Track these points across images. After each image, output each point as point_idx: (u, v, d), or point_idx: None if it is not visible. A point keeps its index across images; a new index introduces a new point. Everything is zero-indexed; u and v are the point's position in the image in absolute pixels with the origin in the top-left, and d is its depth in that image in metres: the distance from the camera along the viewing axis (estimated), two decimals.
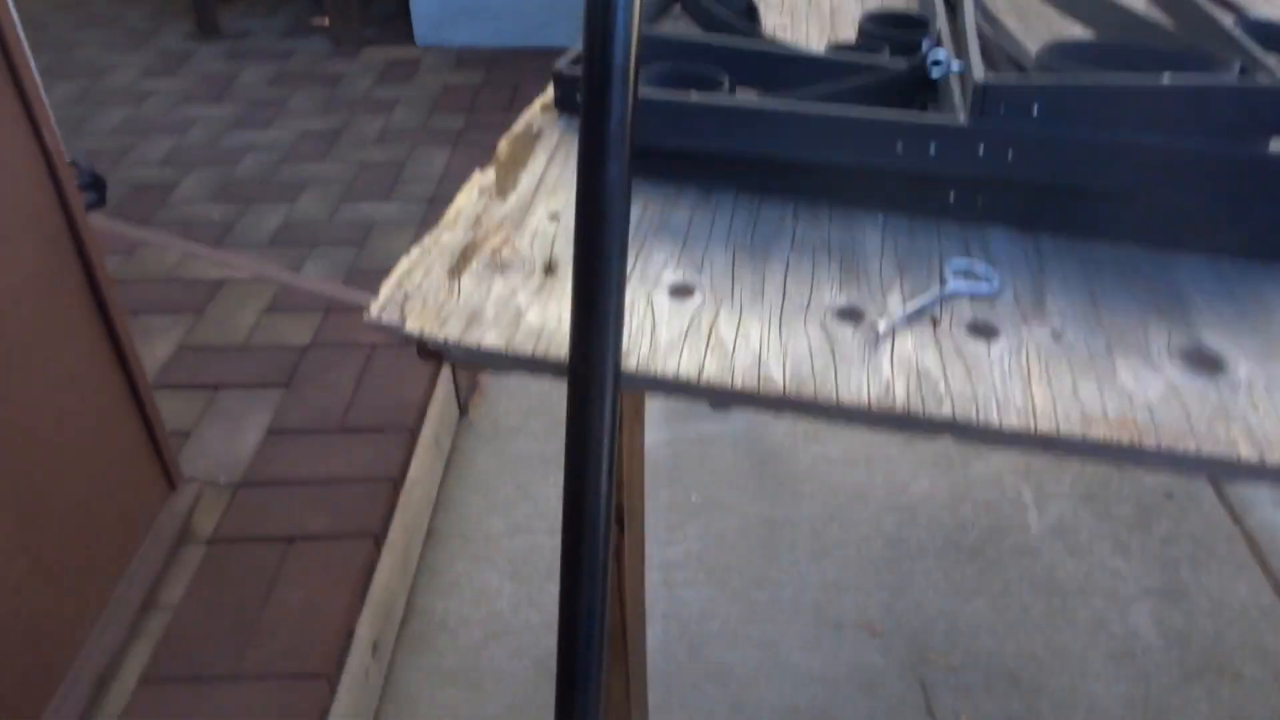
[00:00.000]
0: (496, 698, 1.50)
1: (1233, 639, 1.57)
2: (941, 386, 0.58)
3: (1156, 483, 1.86)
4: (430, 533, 1.77)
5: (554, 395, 2.12)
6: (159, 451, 1.38)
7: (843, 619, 1.62)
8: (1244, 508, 1.79)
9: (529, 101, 0.94)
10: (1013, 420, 0.56)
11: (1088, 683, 1.51)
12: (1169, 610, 1.62)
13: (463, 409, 2.04)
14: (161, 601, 1.33)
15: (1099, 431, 0.55)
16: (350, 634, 1.31)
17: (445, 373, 1.89)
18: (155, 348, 1.84)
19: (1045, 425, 0.55)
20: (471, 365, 0.92)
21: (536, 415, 2.06)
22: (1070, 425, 0.55)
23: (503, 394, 2.12)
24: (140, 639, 1.28)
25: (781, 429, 2.00)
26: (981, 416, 0.56)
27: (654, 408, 1.99)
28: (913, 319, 0.63)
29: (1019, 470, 1.89)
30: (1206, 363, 0.60)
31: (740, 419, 2.03)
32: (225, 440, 1.61)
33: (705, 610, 1.63)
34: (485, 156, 0.85)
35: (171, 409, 1.60)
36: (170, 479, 1.40)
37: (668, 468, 1.90)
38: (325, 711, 1.22)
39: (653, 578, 1.67)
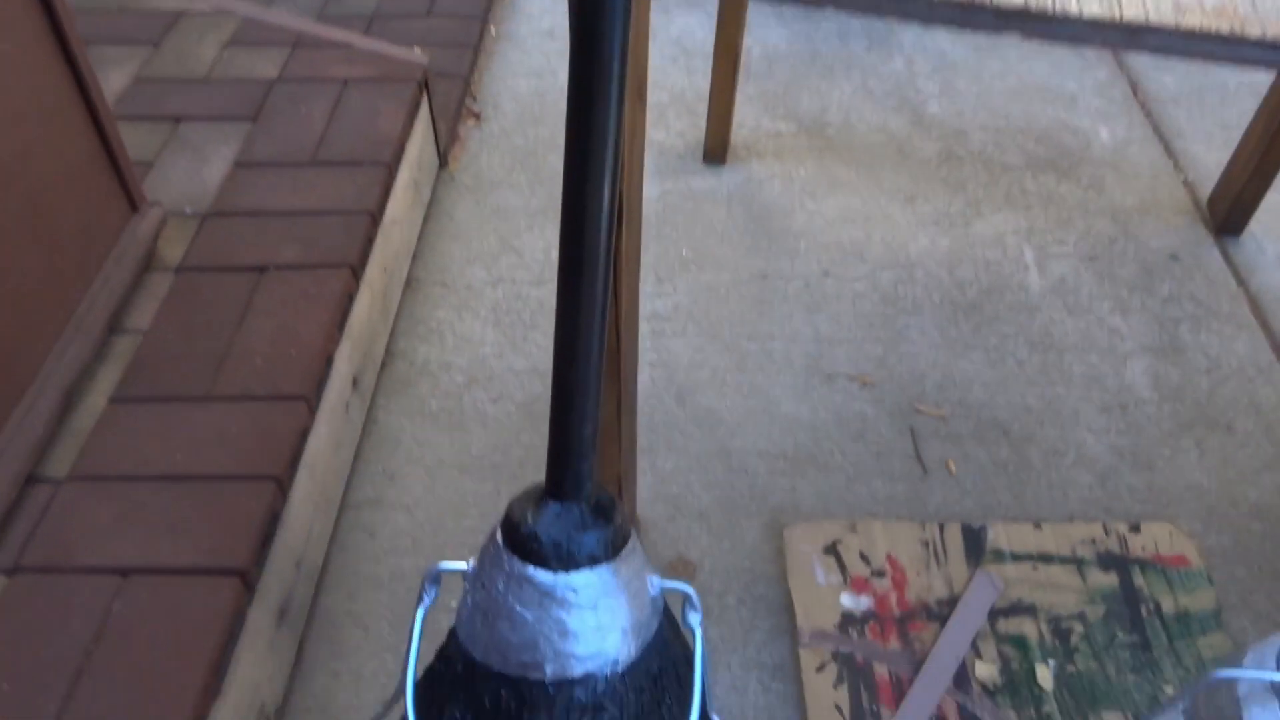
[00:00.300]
0: (481, 439, 1.48)
1: (1226, 395, 1.56)
2: None
3: (1162, 244, 1.80)
4: (410, 281, 1.71)
5: (538, 149, 2.01)
6: (119, 172, 1.28)
7: (834, 370, 1.59)
8: (1248, 269, 1.75)
9: None
10: (1094, 7, 0.47)
11: (1078, 433, 1.51)
12: (1165, 367, 1.60)
13: (442, 160, 1.93)
14: (129, 325, 1.27)
15: (1194, 21, 0.47)
16: (329, 361, 1.26)
17: (423, 116, 1.77)
18: (110, 79, 1.70)
19: (1132, 12, 0.47)
20: None
21: (520, 169, 1.96)
22: (1161, 13, 0.47)
23: (484, 147, 2.01)
24: (109, 361, 1.22)
25: (777, 187, 1.92)
26: (1058, 3, 0.48)
27: (645, 162, 1.89)
28: None
29: (1021, 230, 1.82)
30: None
31: (734, 175, 1.94)
32: (190, 171, 1.51)
33: (694, 360, 1.60)
34: None
35: (131, 140, 1.49)
36: (132, 201, 1.31)
37: (658, 222, 1.83)
38: (305, 431, 1.18)
39: (640, 329, 1.63)
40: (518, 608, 0.65)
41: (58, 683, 0.95)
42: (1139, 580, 1.32)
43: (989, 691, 1.21)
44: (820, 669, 1.22)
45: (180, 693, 0.94)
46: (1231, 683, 0.70)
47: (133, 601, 1.00)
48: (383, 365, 1.56)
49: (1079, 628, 1.27)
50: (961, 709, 1.20)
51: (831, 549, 1.33)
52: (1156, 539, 1.37)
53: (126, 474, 1.11)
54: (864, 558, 1.33)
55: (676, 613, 0.76)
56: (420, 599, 0.71)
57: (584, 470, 0.65)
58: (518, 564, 0.65)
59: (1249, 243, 1.81)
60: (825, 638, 1.25)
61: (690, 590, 0.70)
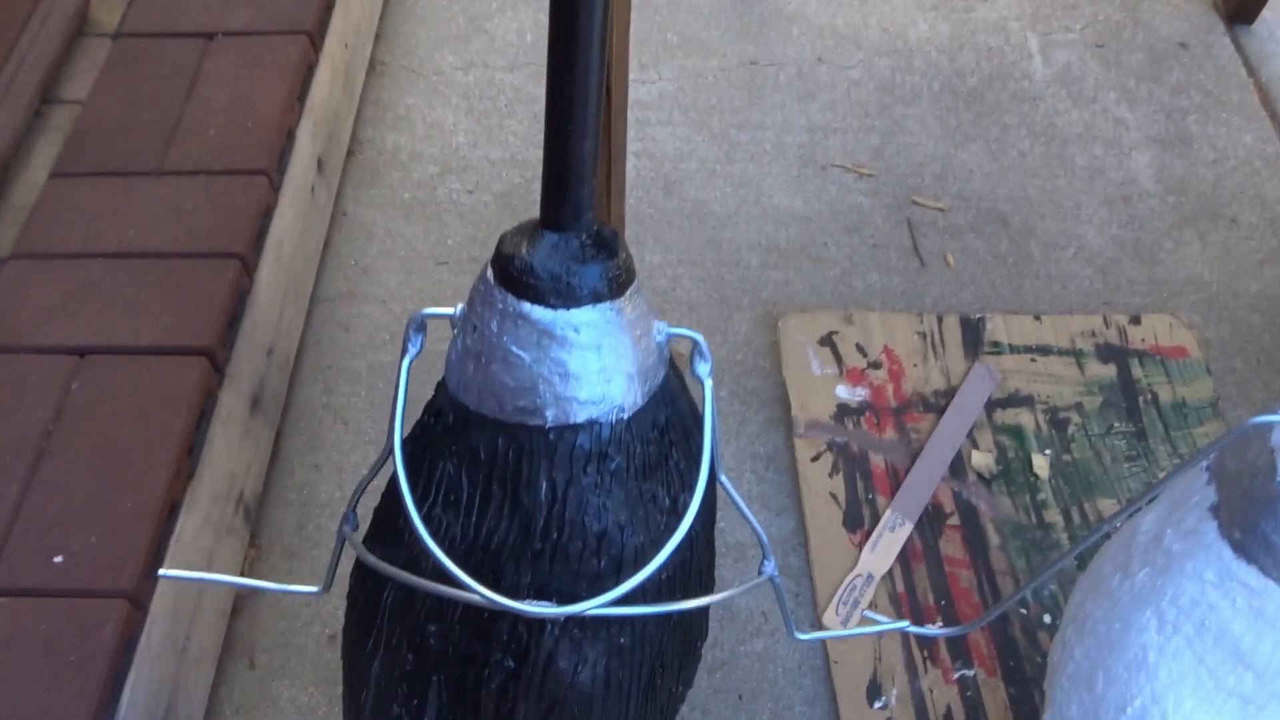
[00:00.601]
0: (457, 229, 1.39)
1: (1232, 187, 1.50)
2: None
3: (1171, 31, 1.70)
4: (373, 65, 1.58)
5: None
6: None
7: (828, 161, 1.50)
8: (1260, 59, 1.66)
9: None
10: None
11: (1080, 226, 1.45)
12: (1170, 159, 1.53)
13: None
14: (65, 96, 1.15)
15: None
16: (290, 135, 1.16)
17: None
18: None
19: None
20: None
21: None
22: None
23: None
24: (46, 134, 1.12)
25: None
26: None
27: None
28: None
29: (1026, 16, 1.71)
30: None
31: None
32: None
33: (681, 150, 1.51)
34: None
35: None
36: None
37: (639, 4, 1.69)
38: (268, 209, 1.09)
39: None
40: (513, 349, 0.59)
41: (16, 464, 0.89)
42: (1137, 371, 1.29)
43: (985, 480, 1.19)
44: (815, 459, 1.20)
45: (150, 473, 0.89)
46: (1265, 432, 0.66)
47: (91, 381, 0.94)
48: (350, 154, 1.45)
49: (1076, 418, 1.25)
50: (957, 497, 1.18)
51: (827, 340, 1.29)
52: (1156, 330, 1.33)
53: (75, 251, 1.02)
54: (860, 349, 1.28)
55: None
56: (404, 349, 0.65)
57: (584, 196, 0.58)
58: (512, 301, 0.59)
59: (1261, 30, 1.72)
60: (820, 428, 1.22)
61: (699, 337, 0.64)
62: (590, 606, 0.60)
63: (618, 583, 0.61)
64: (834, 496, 1.17)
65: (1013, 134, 1.55)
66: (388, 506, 0.69)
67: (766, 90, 1.58)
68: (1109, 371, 1.29)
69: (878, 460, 1.20)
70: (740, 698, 1.05)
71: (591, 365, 0.59)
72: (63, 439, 0.90)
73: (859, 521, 1.15)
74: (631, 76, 1.58)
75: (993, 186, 1.49)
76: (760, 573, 0.72)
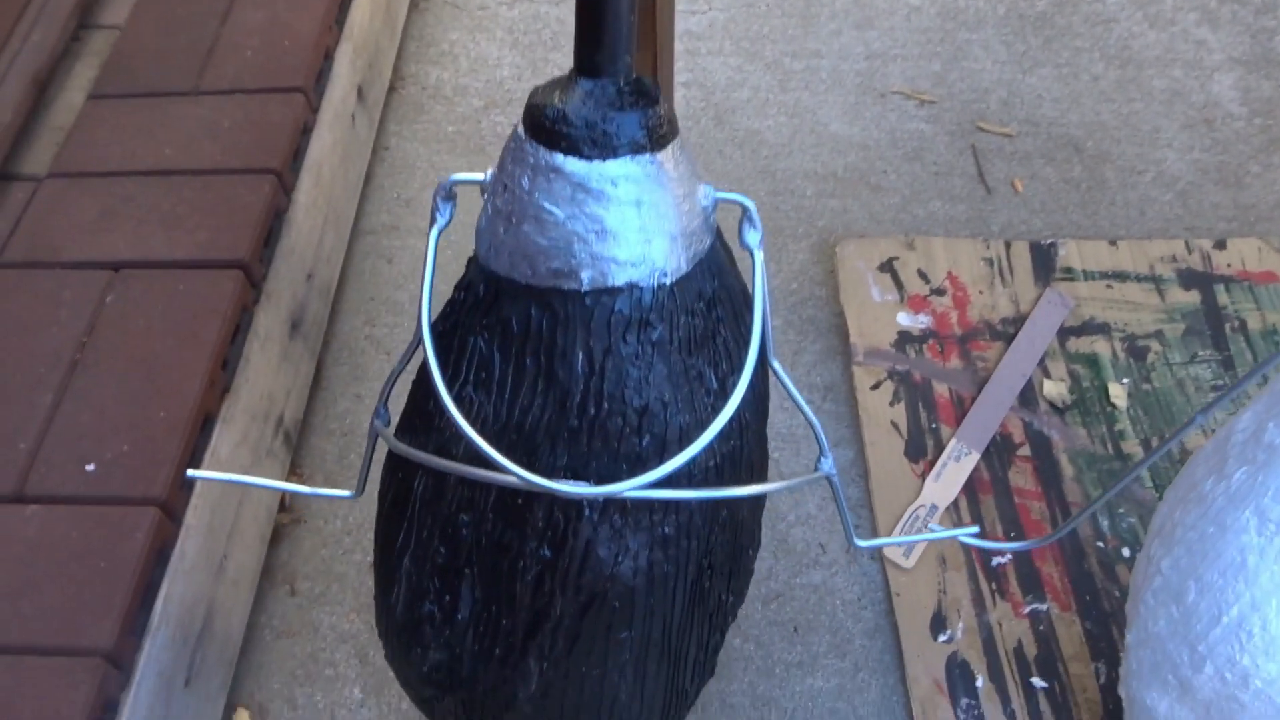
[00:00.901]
0: None
1: None
2: None
3: None
4: (415, 2, 1.55)
5: None
6: None
7: (887, 89, 1.43)
8: None
9: None
10: None
11: (1159, 150, 1.36)
12: (1256, 80, 1.43)
13: None
14: (104, 21, 1.14)
15: None
16: (327, 55, 1.13)
17: None
18: None
19: None
20: None
21: None
22: None
23: None
24: (84, 58, 1.10)
25: None
26: None
27: None
28: None
29: None
30: None
31: None
32: None
33: (732, 80, 1.45)
34: None
35: None
36: None
37: None
38: (305, 127, 1.06)
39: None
40: (546, 205, 0.54)
41: (50, 375, 0.87)
42: (1223, 298, 1.21)
43: (1057, 409, 1.12)
44: (875, 386, 1.14)
45: (183, 383, 0.86)
46: None
47: (126, 295, 0.92)
48: (392, 89, 1.42)
49: (1156, 346, 1.17)
50: (1028, 427, 1.11)
51: (887, 266, 1.22)
52: (1243, 255, 1.24)
53: (112, 170, 1.00)
54: (922, 275, 1.22)
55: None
56: (433, 218, 0.61)
57: (621, 36, 0.53)
58: (544, 154, 0.54)
59: None
60: (880, 356, 1.16)
61: (748, 203, 0.59)
62: (630, 487, 0.56)
63: (660, 465, 0.56)
64: (895, 426, 1.11)
65: (1085, 58, 1.47)
66: (418, 393, 0.65)
67: (822, 18, 1.52)
68: (1191, 298, 1.21)
69: (942, 389, 1.14)
70: (796, 630, 1.00)
71: (630, 223, 0.55)
72: (97, 351, 0.88)
73: (922, 451, 1.09)
74: (680, 7, 1.52)
75: (1063, 112, 1.41)
76: (817, 468, 0.67)
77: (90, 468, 0.82)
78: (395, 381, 0.67)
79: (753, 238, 0.60)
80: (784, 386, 0.64)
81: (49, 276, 0.93)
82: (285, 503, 1.06)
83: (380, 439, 0.66)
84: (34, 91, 1.03)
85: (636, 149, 0.54)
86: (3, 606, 0.76)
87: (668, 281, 0.57)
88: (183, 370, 0.87)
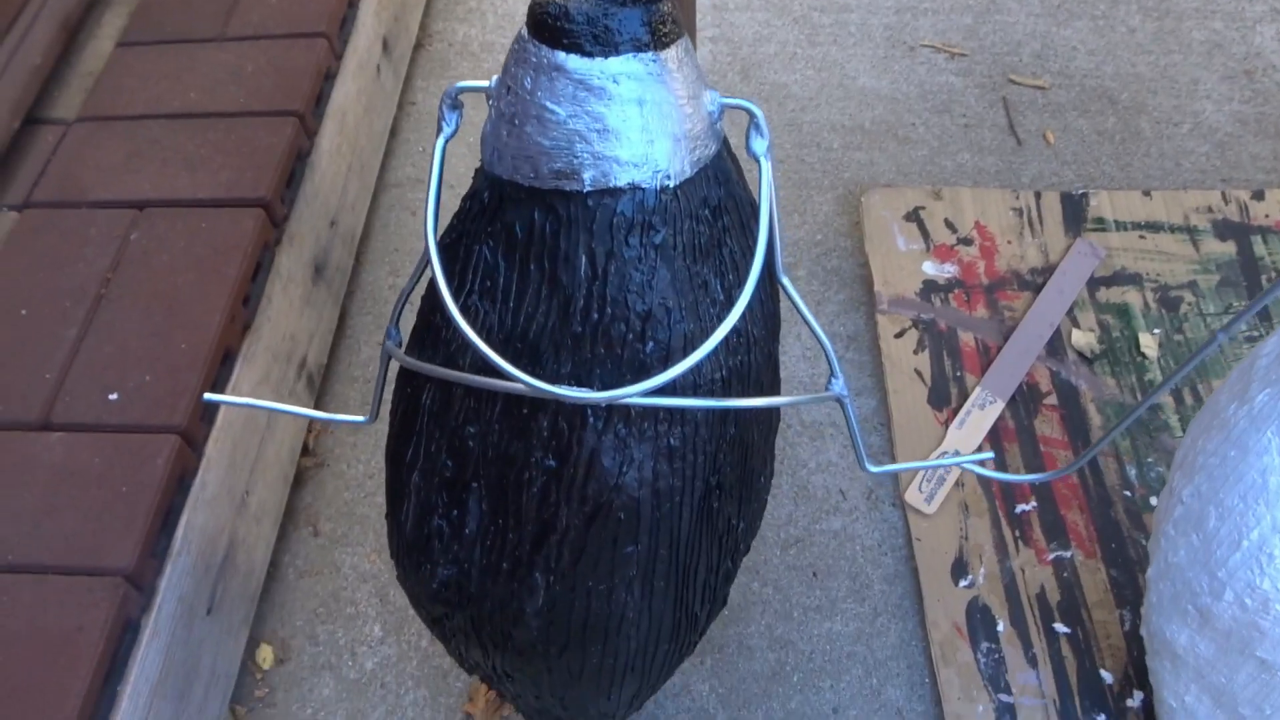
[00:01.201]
0: None
1: None
2: None
3: None
4: None
5: None
6: None
7: (917, 42, 1.41)
8: None
9: None
10: None
11: (1196, 102, 1.33)
12: None
13: None
14: None
15: None
16: (353, 3, 1.13)
17: None
18: None
19: None
20: None
21: None
22: None
23: None
24: (114, 7, 1.12)
25: None
26: None
27: None
28: None
29: None
30: None
31: None
32: None
33: (759, 34, 1.44)
34: None
35: None
36: None
37: None
38: (328, 72, 1.07)
39: (697, 1, 1.47)
40: (548, 104, 0.54)
41: (76, 309, 0.88)
42: (1260, 249, 1.18)
43: (1086, 360, 1.10)
44: (899, 335, 1.12)
45: (204, 317, 0.87)
46: None
47: (150, 232, 0.93)
48: (419, 45, 1.43)
49: (1189, 297, 1.15)
50: (1055, 376, 1.09)
51: (914, 215, 1.21)
52: None
53: (138, 113, 1.02)
54: (949, 225, 1.20)
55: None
56: (439, 128, 0.61)
57: None
58: (546, 52, 0.54)
59: None
60: (905, 304, 1.15)
61: (755, 109, 0.58)
62: (633, 392, 0.56)
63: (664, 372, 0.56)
64: (919, 373, 1.10)
65: (1121, 10, 1.44)
66: (426, 307, 0.65)
67: None
68: (1227, 249, 1.18)
69: (967, 337, 1.12)
70: (815, 575, 0.99)
71: (632, 122, 0.54)
72: (121, 286, 0.90)
73: (945, 399, 1.08)
74: None
75: (1098, 64, 1.38)
76: (828, 389, 0.66)
77: (113, 397, 0.83)
78: (406, 300, 0.67)
79: (759, 145, 0.59)
80: (793, 302, 0.63)
81: (76, 215, 0.94)
82: (308, 447, 1.08)
83: (392, 360, 0.66)
84: (64, 38, 1.05)
85: (639, 46, 0.53)
86: (28, 529, 0.77)
87: (671, 184, 0.56)
88: (204, 304, 0.88)
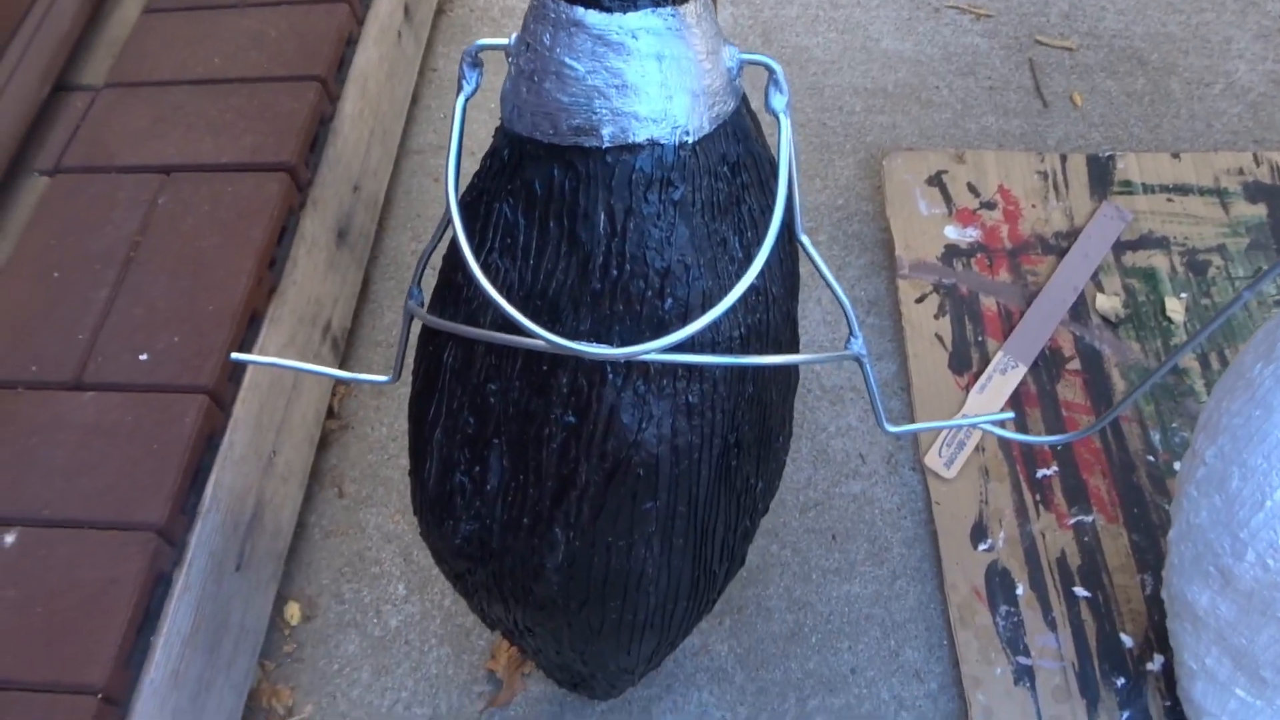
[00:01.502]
0: None
1: None
2: None
3: None
4: None
5: None
6: None
7: (942, 3, 1.40)
8: None
9: None
10: None
11: (1229, 62, 1.31)
12: None
13: None
14: None
15: None
16: None
17: None
18: None
19: None
20: None
21: None
22: None
23: None
24: None
25: None
26: None
27: None
28: None
29: None
30: None
31: None
32: None
33: None
34: None
35: None
36: None
37: None
38: (350, 37, 1.07)
39: None
40: (567, 60, 0.54)
41: (106, 272, 0.90)
42: None
43: (1111, 324, 1.10)
44: (920, 300, 1.12)
45: (230, 279, 0.89)
46: None
47: (176, 197, 0.94)
48: (440, 11, 1.43)
49: (1218, 260, 1.13)
50: (1078, 341, 1.09)
51: (936, 180, 1.20)
52: None
53: (164, 79, 1.02)
54: (972, 189, 1.19)
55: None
56: (459, 86, 0.61)
57: None
58: (565, 7, 0.54)
59: None
60: (926, 269, 1.14)
61: (775, 65, 0.58)
62: (652, 348, 0.56)
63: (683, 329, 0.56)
64: (940, 338, 1.09)
65: None
66: (447, 266, 0.66)
67: None
68: (1258, 211, 1.16)
69: (989, 302, 1.12)
70: (834, 538, 0.99)
71: (651, 77, 0.54)
72: (149, 249, 0.91)
73: (967, 364, 1.08)
74: None
75: (1128, 24, 1.36)
76: (847, 348, 0.66)
77: (143, 357, 0.84)
78: (428, 260, 0.68)
79: (779, 101, 0.59)
80: (812, 261, 0.63)
81: (105, 180, 0.96)
82: (333, 409, 1.09)
83: (414, 319, 0.67)
84: (91, 5, 1.06)
85: (657, 1, 0.53)
86: (63, 485, 0.79)
87: (690, 140, 0.56)
88: (230, 267, 0.89)
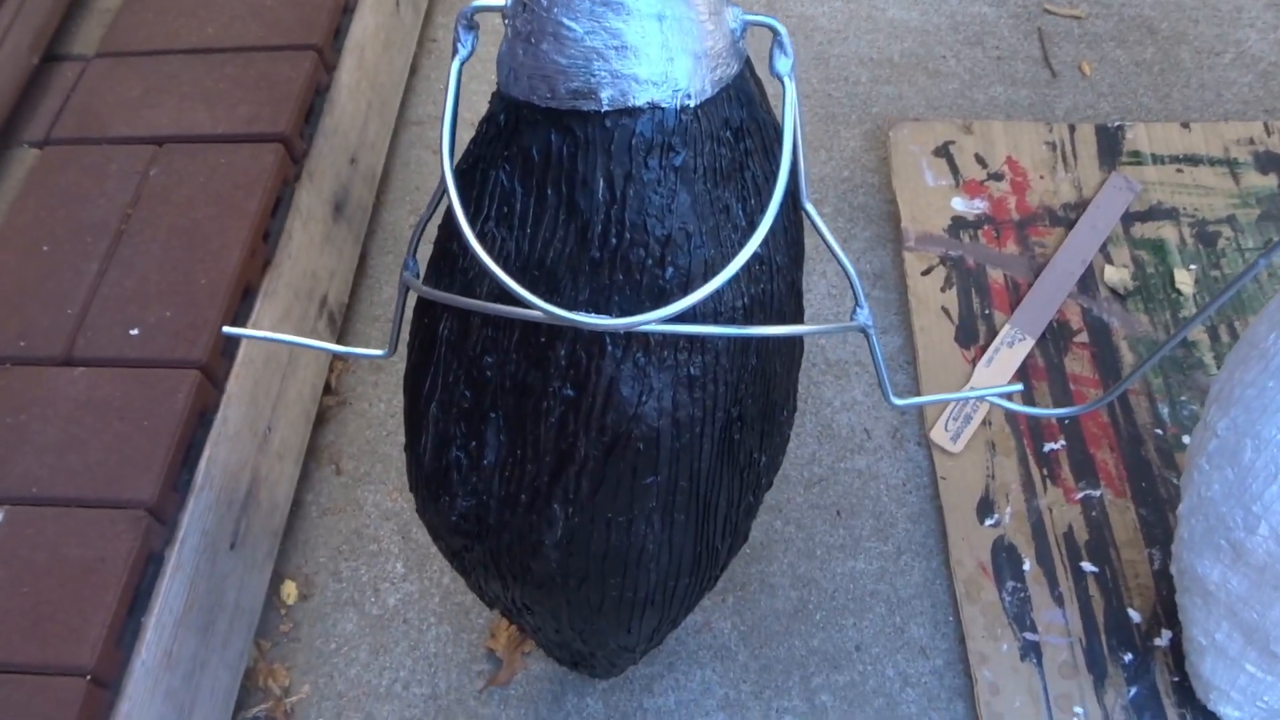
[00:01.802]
0: None
1: None
2: None
3: None
4: None
5: None
6: None
7: None
8: None
9: None
10: None
11: (1240, 31, 1.28)
12: None
13: None
14: None
15: None
16: None
17: None
18: None
19: None
20: None
21: None
22: None
23: None
24: None
25: None
26: None
27: None
28: None
29: None
30: None
31: None
32: None
33: None
34: None
35: None
36: None
37: None
38: (349, 8, 1.05)
39: None
40: (564, 20, 0.52)
41: (97, 244, 0.88)
42: None
43: (1119, 296, 1.08)
44: (926, 272, 1.10)
45: (224, 252, 0.87)
46: None
47: (169, 168, 0.92)
48: None
49: (1228, 231, 1.11)
50: (1086, 313, 1.07)
51: (943, 150, 1.18)
52: None
53: (156, 49, 1.00)
54: (980, 160, 1.17)
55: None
56: (454, 50, 0.59)
57: None
58: None
59: None
60: (933, 241, 1.12)
61: (779, 26, 0.56)
62: (652, 319, 0.55)
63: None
64: (946, 311, 1.08)
65: None
66: (443, 235, 0.64)
67: None
68: (1269, 182, 1.14)
69: (996, 275, 1.10)
70: (839, 513, 0.98)
71: (652, 38, 0.52)
72: (141, 221, 0.89)
73: (973, 337, 1.06)
74: None
75: None
76: (852, 318, 0.65)
77: (134, 332, 0.83)
78: (424, 230, 0.66)
79: (783, 64, 0.57)
80: (816, 229, 0.61)
81: (96, 151, 0.94)
82: (330, 385, 1.08)
83: (410, 291, 0.65)
84: None
85: None
86: (52, 462, 0.78)
87: (691, 104, 0.54)
88: (224, 239, 0.87)
